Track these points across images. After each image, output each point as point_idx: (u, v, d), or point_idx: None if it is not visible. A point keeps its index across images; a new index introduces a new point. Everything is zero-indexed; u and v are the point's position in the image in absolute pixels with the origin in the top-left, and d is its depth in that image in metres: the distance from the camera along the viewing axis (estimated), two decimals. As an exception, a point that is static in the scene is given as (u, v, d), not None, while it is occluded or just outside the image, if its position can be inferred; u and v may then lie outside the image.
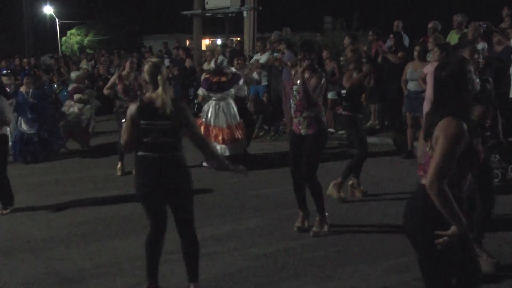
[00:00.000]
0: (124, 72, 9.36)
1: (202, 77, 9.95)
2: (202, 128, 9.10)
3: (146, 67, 4.57)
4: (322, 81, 6.06)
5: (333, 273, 5.28)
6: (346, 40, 11.19)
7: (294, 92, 6.14)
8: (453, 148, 3.17)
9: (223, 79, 9.41)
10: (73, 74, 13.30)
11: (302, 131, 6.16)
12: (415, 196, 3.48)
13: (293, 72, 6.36)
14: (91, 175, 9.80)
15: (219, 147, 8.99)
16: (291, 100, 6.23)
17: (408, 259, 5.08)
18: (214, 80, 9.44)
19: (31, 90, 10.91)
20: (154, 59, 4.79)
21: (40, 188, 9.03)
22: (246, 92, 10.54)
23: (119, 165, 9.60)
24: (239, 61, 10.19)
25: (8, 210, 7.68)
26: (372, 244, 5.87)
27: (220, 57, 9.93)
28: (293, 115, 6.28)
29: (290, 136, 6.55)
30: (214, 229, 6.56)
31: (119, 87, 9.23)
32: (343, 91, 7.59)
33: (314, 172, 6.24)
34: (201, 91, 9.71)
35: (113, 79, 9.45)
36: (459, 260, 3.40)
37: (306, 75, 6.06)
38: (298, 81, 6.06)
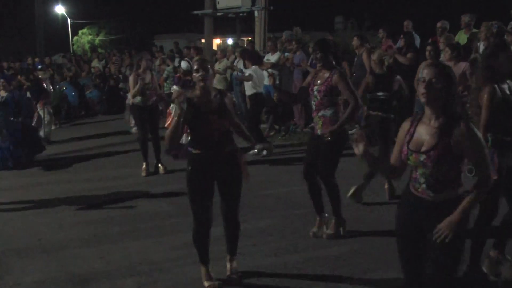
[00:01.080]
0: (140, 71, 9.31)
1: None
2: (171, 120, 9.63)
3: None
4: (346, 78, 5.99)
5: (344, 274, 5.25)
6: (355, 41, 11.19)
7: (315, 93, 6.00)
8: None
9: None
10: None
11: (318, 130, 6.03)
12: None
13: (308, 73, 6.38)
14: (102, 174, 9.83)
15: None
16: (312, 101, 6.11)
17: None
18: (187, 78, 10.31)
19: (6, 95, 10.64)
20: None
21: (51, 187, 9.06)
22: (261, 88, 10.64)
23: (144, 166, 9.54)
24: None
25: None
26: (384, 246, 5.84)
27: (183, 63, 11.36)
28: (312, 115, 6.21)
29: (308, 137, 6.53)
30: (222, 229, 6.54)
31: (137, 86, 9.15)
32: (381, 93, 7.39)
33: (331, 173, 6.10)
34: (175, 88, 10.70)
35: (138, 86, 9.21)
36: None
37: (326, 74, 5.99)
38: (319, 81, 5.99)
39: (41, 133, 12.54)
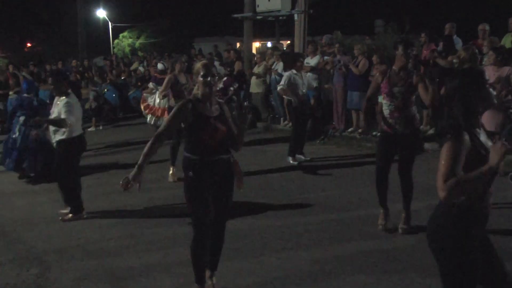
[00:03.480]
0: (176, 72, 9.40)
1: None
2: (148, 108, 11.05)
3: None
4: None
5: (380, 280, 5.17)
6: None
7: (397, 94, 6.15)
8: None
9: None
10: None
11: (399, 130, 6.21)
12: (435, 213, 3.50)
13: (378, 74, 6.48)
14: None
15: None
16: (390, 102, 6.21)
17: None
18: (161, 77, 11.25)
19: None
20: None
21: (90, 188, 9.17)
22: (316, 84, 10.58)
23: (171, 171, 9.45)
24: (301, 62, 10.25)
25: (70, 216, 7.51)
26: (422, 252, 5.71)
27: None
28: (387, 115, 6.25)
29: (381, 137, 6.52)
30: (261, 232, 6.54)
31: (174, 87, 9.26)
32: None
33: (412, 167, 6.44)
34: (151, 84, 11.65)
35: (166, 83, 9.44)
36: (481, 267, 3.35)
37: (403, 75, 6.17)
38: (399, 83, 6.14)
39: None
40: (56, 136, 7.36)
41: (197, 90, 4.71)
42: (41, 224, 7.36)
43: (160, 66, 12.72)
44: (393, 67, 6.25)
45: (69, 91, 7.43)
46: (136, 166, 4.50)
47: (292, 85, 9.80)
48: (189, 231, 6.67)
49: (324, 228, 6.63)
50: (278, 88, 10.19)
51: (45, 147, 9.59)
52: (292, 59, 10.39)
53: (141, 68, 20.62)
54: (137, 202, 8.11)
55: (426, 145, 10.53)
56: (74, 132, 7.32)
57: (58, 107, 7.26)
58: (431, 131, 11.24)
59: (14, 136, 9.83)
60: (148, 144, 4.61)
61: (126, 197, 8.43)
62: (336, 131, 12.43)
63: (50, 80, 7.53)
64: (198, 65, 4.75)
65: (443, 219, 3.37)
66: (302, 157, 10.16)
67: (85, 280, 5.47)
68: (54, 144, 7.47)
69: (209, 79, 4.60)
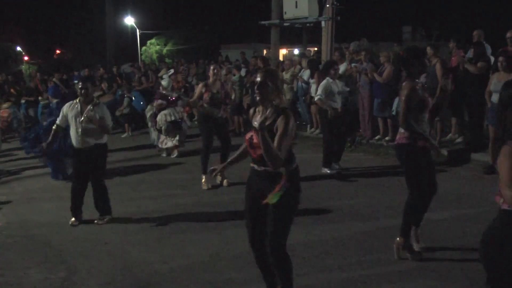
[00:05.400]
0: (210, 81, 9.32)
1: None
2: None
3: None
4: None
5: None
6: (429, 51, 10.90)
7: None
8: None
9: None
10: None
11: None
12: (494, 224, 3.37)
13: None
14: (167, 179, 9.96)
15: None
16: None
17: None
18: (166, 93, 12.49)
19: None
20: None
21: (117, 192, 9.23)
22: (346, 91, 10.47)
23: (204, 178, 9.31)
24: (336, 70, 10.00)
25: (106, 219, 7.64)
26: (450, 263, 5.64)
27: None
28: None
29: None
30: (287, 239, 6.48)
31: (206, 96, 9.16)
32: None
33: None
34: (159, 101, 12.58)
35: (199, 89, 9.38)
36: None
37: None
38: None
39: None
40: (91, 141, 7.43)
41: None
42: (68, 228, 7.42)
43: (164, 82, 12.97)
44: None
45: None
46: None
47: (329, 95, 9.72)
48: (214, 236, 6.70)
49: (350, 236, 6.57)
50: (316, 98, 10.04)
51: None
52: (325, 67, 10.31)
53: (166, 75, 20.72)
54: (163, 208, 8.14)
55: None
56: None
57: (90, 113, 7.36)
58: (459, 140, 11.08)
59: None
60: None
61: (152, 202, 8.49)
62: (363, 139, 12.34)
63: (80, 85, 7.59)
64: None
65: (504, 229, 3.26)
66: (336, 165, 10.03)
67: (110, 285, 5.50)
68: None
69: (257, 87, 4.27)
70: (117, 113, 16.00)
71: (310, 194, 8.45)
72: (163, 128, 12.42)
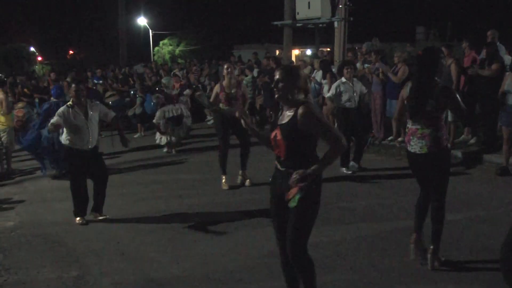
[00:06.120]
0: (225, 82, 9.20)
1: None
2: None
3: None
4: None
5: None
6: (444, 51, 10.83)
7: None
8: None
9: None
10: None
11: None
12: None
13: None
14: (179, 179, 9.98)
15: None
16: None
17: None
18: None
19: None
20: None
21: (129, 192, 9.27)
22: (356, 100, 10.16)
23: (224, 179, 9.27)
24: (349, 70, 9.90)
25: (107, 216, 7.83)
26: (463, 265, 5.60)
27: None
28: None
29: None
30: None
31: (221, 95, 9.10)
32: None
33: None
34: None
35: (214, 91, 9.33)
36: None
37: None
38: None
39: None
40: (96, 140, 7.63)
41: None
42: (80, 227, 7.47)
43: (165, 80, 13.44)
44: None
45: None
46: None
47: (338, 95, 9.70)
48: (225, 236, 6.70)
49: (362, 237, 6.54)
50: (326, 96, 10.07)
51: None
52: (339, 67, 10.28)
53: (179, 74, 20.76)
54: (176, 208, 8.16)
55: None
56: None
57: (95, 112, 7.60)
58: (472, 141, 11.01)
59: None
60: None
61: (165, 202, 8.51)
62: (375, 140, 12.30)
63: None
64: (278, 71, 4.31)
65: None
66: (355, 164, 10.00)
67: (122, 284, 5.51)
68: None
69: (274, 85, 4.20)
70: (129, 113, 16.03)
71: (322, 194, 8.42)
72: (161, 124, 12.83)
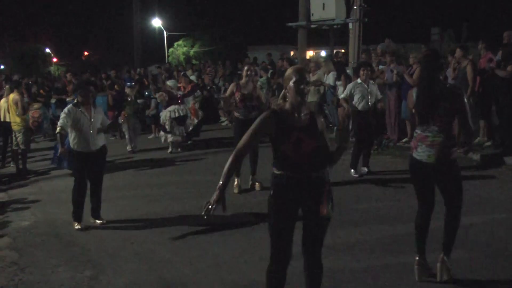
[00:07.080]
0: (242, 81, 9.13)
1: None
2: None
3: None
4: None
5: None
6: (458, 53, 10.74)
7: None
8: None
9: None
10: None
11: None
12: None
13: None
14: (193, 180, 9.99)
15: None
16: None
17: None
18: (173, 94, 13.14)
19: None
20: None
21: (143, 193, 9.30)
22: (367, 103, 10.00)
23: (236, 182, 9.18)
24: (365, 71, 9.76)
25: (105, 221, 7.72)
26: (479, 269, 5.54)
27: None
28: None
29: None
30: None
31: (236, 95, 9.01)
32: None
33: None
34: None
35: (230, 88, 9.29)
36: None
37: None
38: None
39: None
40: (100, 142, 7.65)
41: (282, 99, 4.18)
42: (95, 228, 7.50)
43: (170, 82, 13.72)
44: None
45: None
46: (217, 188, 4.21)
47: (351, 96, 9.66)
48: (240, 238, 6.69)
49: (377, 239, 6.51)
50: (340, 97, 10.04)
51: None
52: (355, 69, 10.23)
53: (193, 77, 20.81)
54: (189, 209, 8.16)
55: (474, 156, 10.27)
56: None
57: (98, 115, 7.66)
58: (488, 143, 10.92)
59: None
60: (228, 162, 4.21)
61: (178, 203, 8.52)
62: (390, 141, 12.24)
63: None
64: (289, 70, 4.18)
65: None
66: (365, 169, 9.98)
67: (136, 285, 5.53)
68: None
69: (302, 86, 4.04)
70: (147, 113, 16.04)
71: (336, 196, 8.37)
72: (167, 124, 12.98)
